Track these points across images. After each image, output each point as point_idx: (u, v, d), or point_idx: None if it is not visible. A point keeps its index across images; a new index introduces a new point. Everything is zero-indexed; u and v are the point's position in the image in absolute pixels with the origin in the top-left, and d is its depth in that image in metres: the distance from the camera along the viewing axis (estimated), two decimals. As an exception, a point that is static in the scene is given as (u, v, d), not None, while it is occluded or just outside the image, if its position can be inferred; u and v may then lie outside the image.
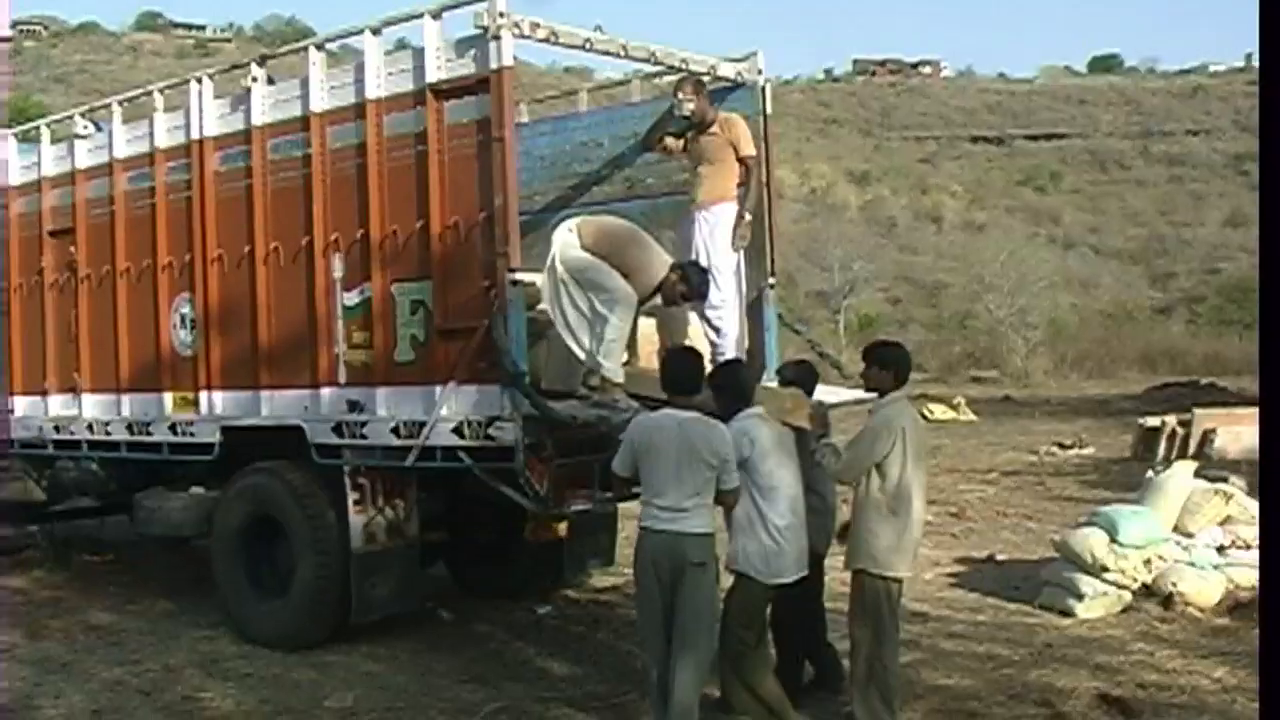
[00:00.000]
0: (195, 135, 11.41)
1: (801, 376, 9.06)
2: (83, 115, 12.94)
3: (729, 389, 8.49)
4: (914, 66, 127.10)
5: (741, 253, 10.60)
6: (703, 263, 10.26)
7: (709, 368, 9.85)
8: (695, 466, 7.83)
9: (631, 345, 10.29)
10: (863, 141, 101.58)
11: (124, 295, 12.21)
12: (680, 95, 10.52)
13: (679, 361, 8.53)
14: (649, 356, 10.57)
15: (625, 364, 10.14)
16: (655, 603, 7.95)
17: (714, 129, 10.56)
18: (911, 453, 8.27)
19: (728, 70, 11.16)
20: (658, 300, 10.19)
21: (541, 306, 10.10)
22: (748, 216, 10.49)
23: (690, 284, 9.89)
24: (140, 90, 12.28)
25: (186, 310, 11.57)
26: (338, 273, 10.29)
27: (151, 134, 11.84)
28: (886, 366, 8.51)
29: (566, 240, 9.94)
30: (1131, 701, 9.03)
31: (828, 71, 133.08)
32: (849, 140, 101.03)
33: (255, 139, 10.89)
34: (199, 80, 11.44)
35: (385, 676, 10.00)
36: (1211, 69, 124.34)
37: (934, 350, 52.36)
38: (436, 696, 9.44)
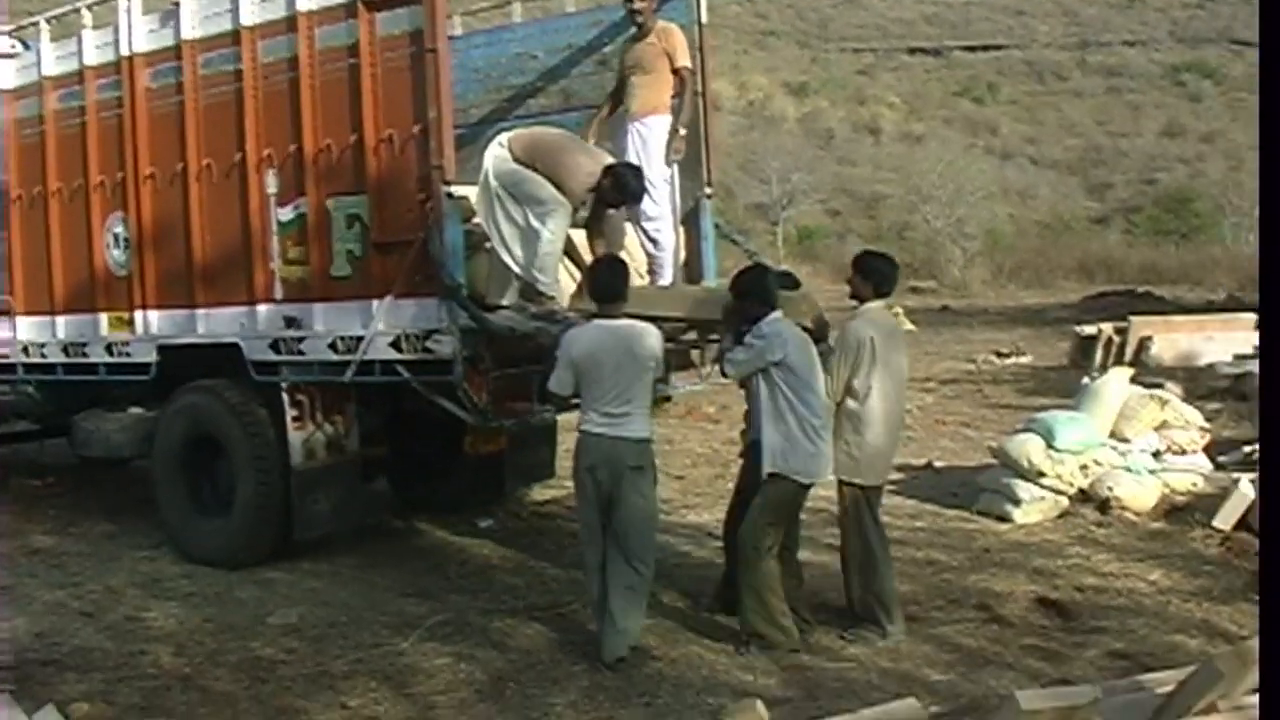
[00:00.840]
0: (125, 52, 11.23)
1: (794, 284, 9.16)
2: (9, 34, 12.75)
3: (755, 293, 8.51)
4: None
5: (676, 165, 10.55)
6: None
7: (647, 279, 9.90)
8: (634, 371, 8.07)
9: (573, 255, 10.23)
10: (800, 53, 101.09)
11: (56, 216, 12.04)
12: (637, 3, 10.44)
13: (606, 270, 8.66)
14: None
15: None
16: (593, 507, 8.18)
17: (650, 38, 10.45)
18: (881, 363, 8.40)
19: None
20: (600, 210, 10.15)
21: (477, 220, 10.05)
22: (682, 131, 10.38)
23: (623, 187, 9.71)
24: (68, 7, 12.07)
25: (120, 230, 11.45)
26: (272, 189, 10.21)
27: (80, 52, 11.64)
28: (868, 276, 8.70)
29: (498, 154, 9.85)
30: (1069, 604, 9.18)
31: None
32: (786, 52, 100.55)
33: (186, 54, 10.75)
34: (128, -5, 11.27)
35: (328, 592, 10.03)
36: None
37: (873, 262, 52.43)
38: (380, 611, 9.47)
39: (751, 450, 8.76)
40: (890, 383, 8.58)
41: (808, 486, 8.44)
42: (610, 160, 9.95)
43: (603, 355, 8.12)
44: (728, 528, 9.04)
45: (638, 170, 9.92)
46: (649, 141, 10.39)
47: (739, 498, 9.05)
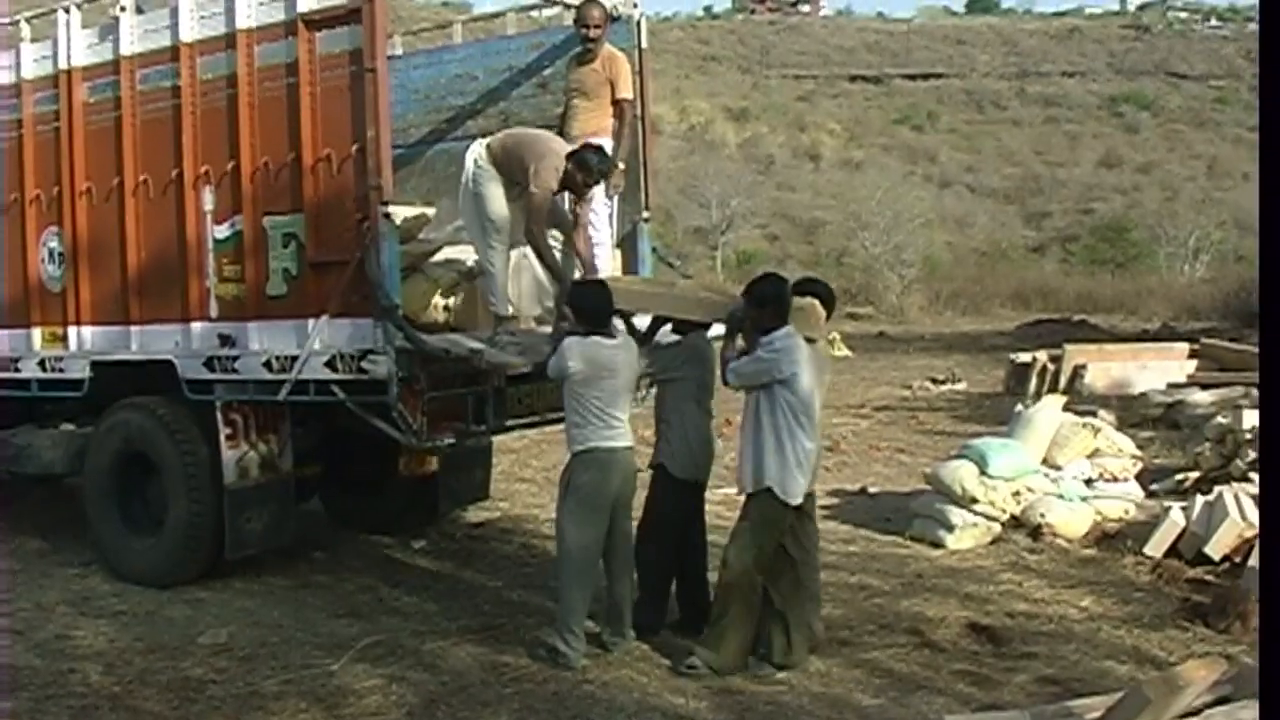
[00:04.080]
0: (63, 65, 11.12)
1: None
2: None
3: (775, 303, 8.48)
4: (793, 4, 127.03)
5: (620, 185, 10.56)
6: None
7: None
8: (631, 386, 8.65)
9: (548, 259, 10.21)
10: (741, 79, 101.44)
11: (-12, 230, 11.93)
12: (589, 24, 10.44)
13: (597, 295, 8.79)
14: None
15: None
16: (603, 525, 8.61)
17: (595, 64, 10.47)
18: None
19: (604, 3, 11.09)
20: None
21: (424, 236, 10.08)
22: (621, 165, 10.41)
23: (586, 165, 9.63)
24: (7, 20, 12.00)
25: (55, 244, 11.35)
26: (208, 205, 10.15)
27: (18, 64, 11.52)
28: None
29: (478, 154, 9.87)
30: (1000, 630, 9.22)
31: (707, 9, 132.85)
32: (728, 77, 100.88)
33: (124, 69, 10.67)
34: (66, 10, 11.14)
35: (260, 612, 9.97)
36: (1087, 11, 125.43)
37: (811, 287, 52.54)
38: (311, 631, 9.43)
39: (659, 471, 9.02)
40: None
41: (795, 508, 8.43)
42: (571, 147, 9.93)
43: (619, 366, 8.50)
44: (643, 552, 9.05)
45: (599, 148, 9.88)
46: None
47: (648, 516, 9.21)
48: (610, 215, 10.60)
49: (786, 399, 8.21)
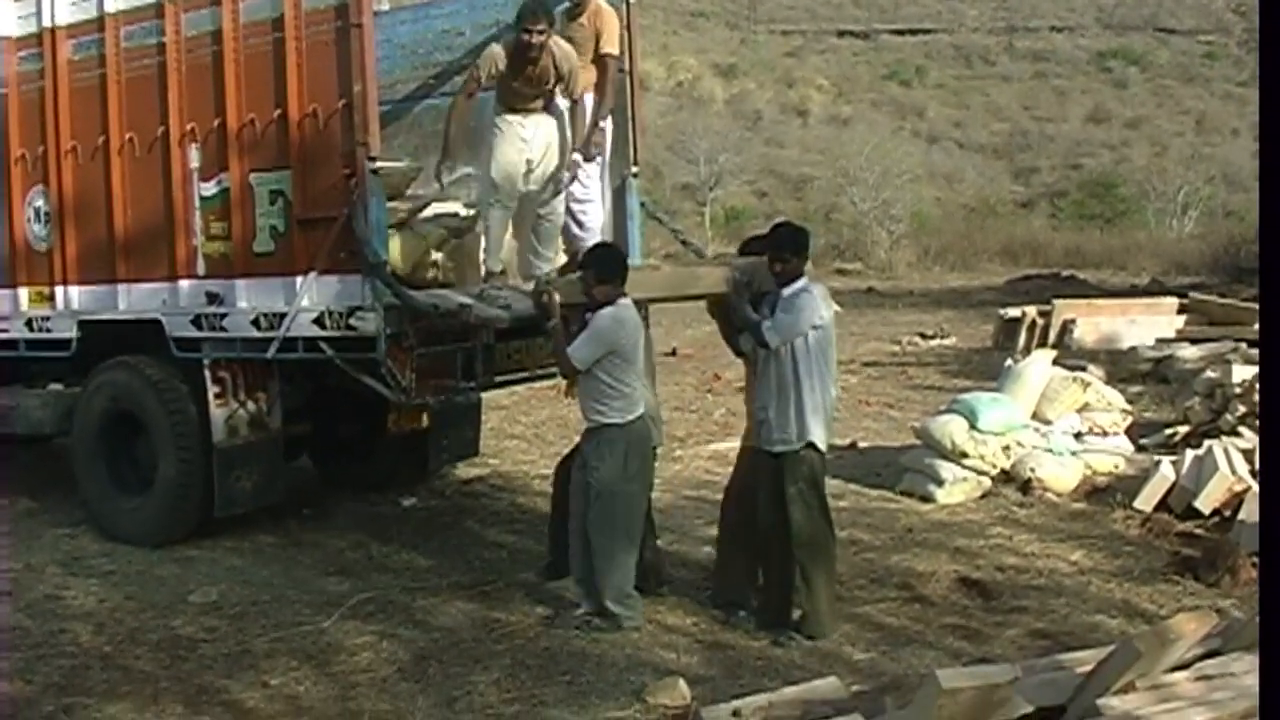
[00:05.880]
0: (47, 23, 11.05)
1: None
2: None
3: (800, 251, 8.46)
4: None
5: (608, 146, 10.50)
6: (565, 154, 10.10)
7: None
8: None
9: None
10: (729, 35, 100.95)
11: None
12: None
13: (611, 252, 8.82)
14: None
15: None
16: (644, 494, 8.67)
17: (582, 18, 10.34)
18: None
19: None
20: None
21: (412, 192, 10.06)
22: (601, 124, 10.23)
23: (522, 20, 9.53)
24: (-12, -22, 11.91)
25: (40, 203, 11.29)
26: (194, 163, 10.11)
27: (1, 23, 11.48)
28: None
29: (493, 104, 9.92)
30: (990, 584, 9.24)
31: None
32: (715, 33, 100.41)
33: (109, 27, 10.59)
34: (49, -33, 11.11)
35: (250, 570, 9.98)
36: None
37: (800, 243, 52.41)
38: (302, 589, 9.45)
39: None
40: None
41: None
42: None
43: (637, 335, 8.42)
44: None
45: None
46: (578, 121, 10.27)
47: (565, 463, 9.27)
48: (600, 173, 10.52)
49: (821, 345, 8.21)
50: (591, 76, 10.24)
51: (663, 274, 9.82)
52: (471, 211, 10.35)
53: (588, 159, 10.16)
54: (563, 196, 10.08)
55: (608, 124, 10.31)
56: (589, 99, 10.17)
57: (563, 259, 10.21)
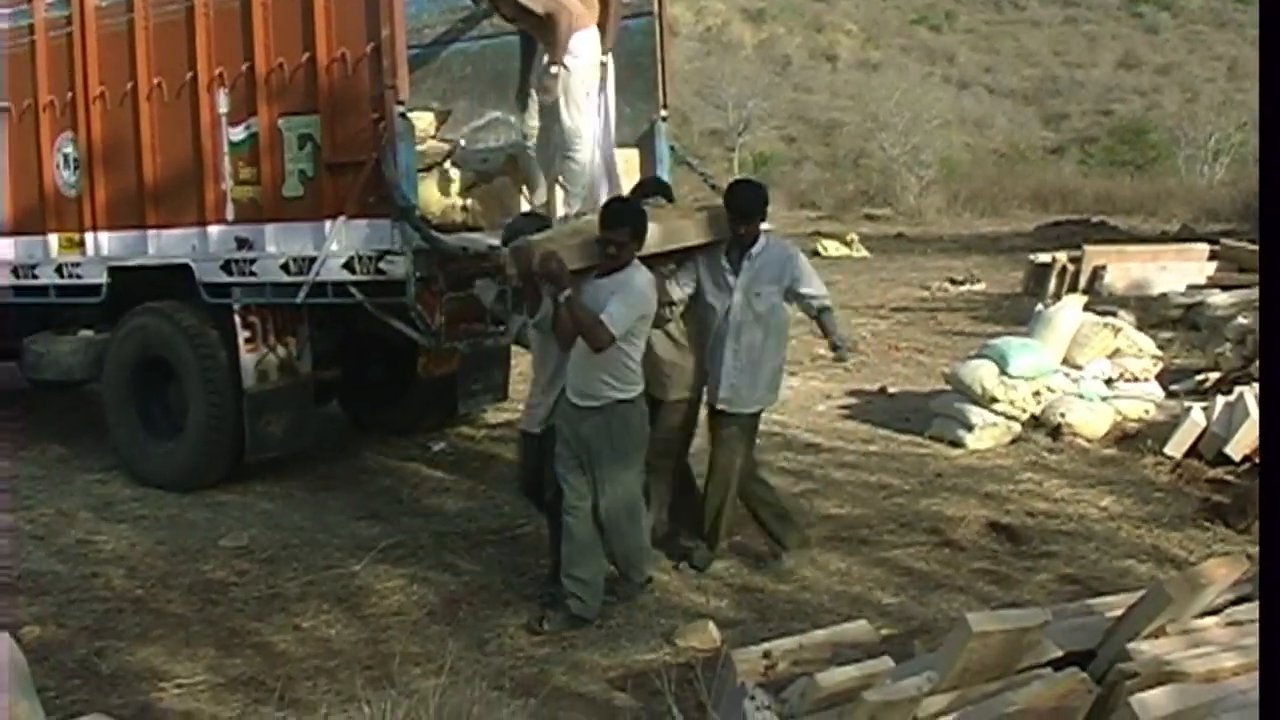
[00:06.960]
0: (74, -31, 11.05)
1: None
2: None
3: (760, 212, 8.32)
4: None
5: (610, 81, 9.63)
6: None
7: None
8: None
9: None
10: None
11: (4, 136, 11.87)
12: None
13: (625, 202, 8.29)
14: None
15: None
16: None
17: None
18: None
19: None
20: None
21: (441, 136, 10.01)
22: (553, 70, 9.20)
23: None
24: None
25: (69, 150, 11.31)
26: (223, 108, 10.11)
27: (29, -30, 11.46)
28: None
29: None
30: (1020, 529, 9.23)
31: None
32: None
33: (136, -29, 10.59)
34: (78, -88, 11.08)
35: (280, 515, 10.03)
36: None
37: (828, 188, 52.11)
38: (332, 533, 9.49)
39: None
40: None
41: None
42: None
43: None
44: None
45: None
46: (580, 56, 9.75)
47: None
48: (604, 103, 9.60)
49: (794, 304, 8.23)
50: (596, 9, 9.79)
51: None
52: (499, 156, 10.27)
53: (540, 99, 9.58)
54: (589, 135, 9.68)
55: (609, 60, 9.84)
56: (584, 34, 9.39)
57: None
